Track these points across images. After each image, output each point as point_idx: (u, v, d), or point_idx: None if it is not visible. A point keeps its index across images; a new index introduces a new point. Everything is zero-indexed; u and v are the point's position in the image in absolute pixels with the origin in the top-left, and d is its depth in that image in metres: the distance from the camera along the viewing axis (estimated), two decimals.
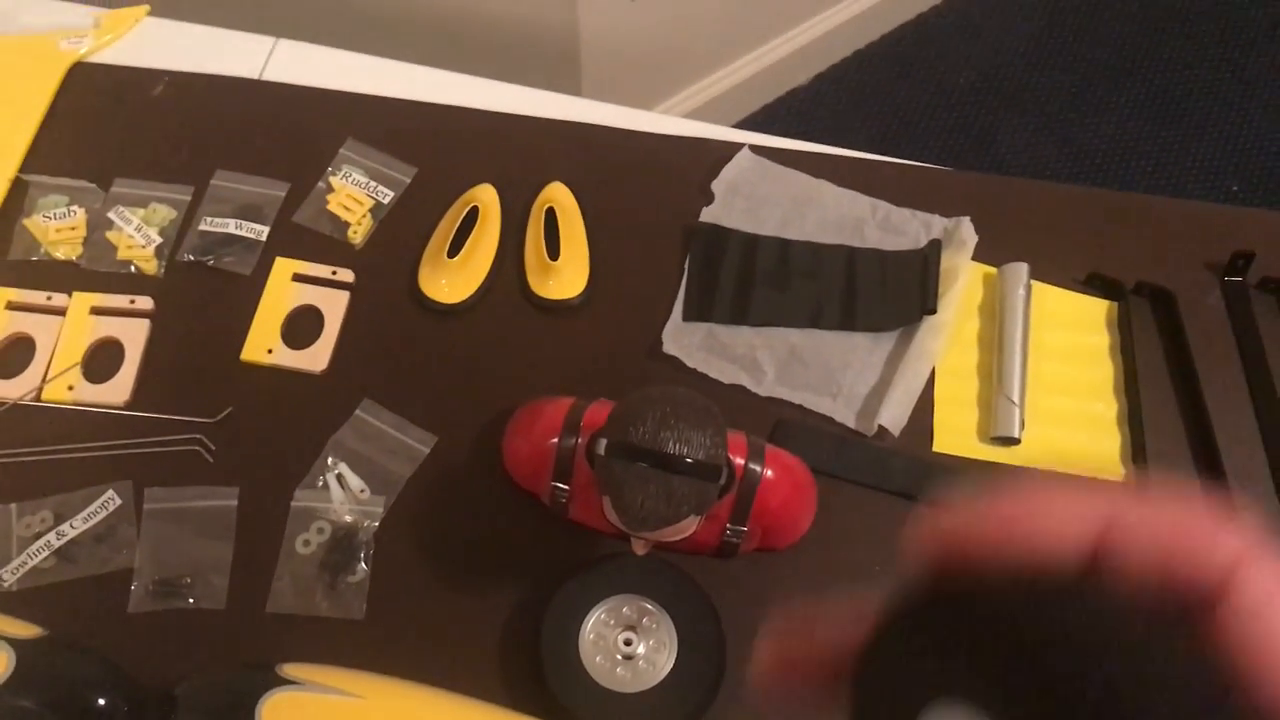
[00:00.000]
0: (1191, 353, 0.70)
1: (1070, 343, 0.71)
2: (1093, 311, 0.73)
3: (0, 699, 0.51)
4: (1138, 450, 0.67)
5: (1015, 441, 0.67)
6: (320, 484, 0.64)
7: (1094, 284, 0.74)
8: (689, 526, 0.54)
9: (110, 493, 0.63)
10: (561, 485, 0.60)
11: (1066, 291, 0.73)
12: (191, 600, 0.61)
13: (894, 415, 0.67)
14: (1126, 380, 0.70)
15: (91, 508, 0.63)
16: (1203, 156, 1.67)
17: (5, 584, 0.60)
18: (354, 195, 0.72)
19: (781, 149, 0.77)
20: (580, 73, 1.35)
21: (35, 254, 0.70)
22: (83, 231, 0.71)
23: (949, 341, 0.70)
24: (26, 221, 0.70)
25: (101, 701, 0.54)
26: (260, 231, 0.71)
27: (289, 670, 0.54)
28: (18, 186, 0.73)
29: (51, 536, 0.62)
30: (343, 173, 0.74)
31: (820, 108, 1.77)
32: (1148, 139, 1.69)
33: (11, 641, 0.53)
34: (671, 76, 1.58)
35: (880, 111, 1.76)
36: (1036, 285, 0.72)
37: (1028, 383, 0.68)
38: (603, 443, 0.51)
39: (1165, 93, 1.77)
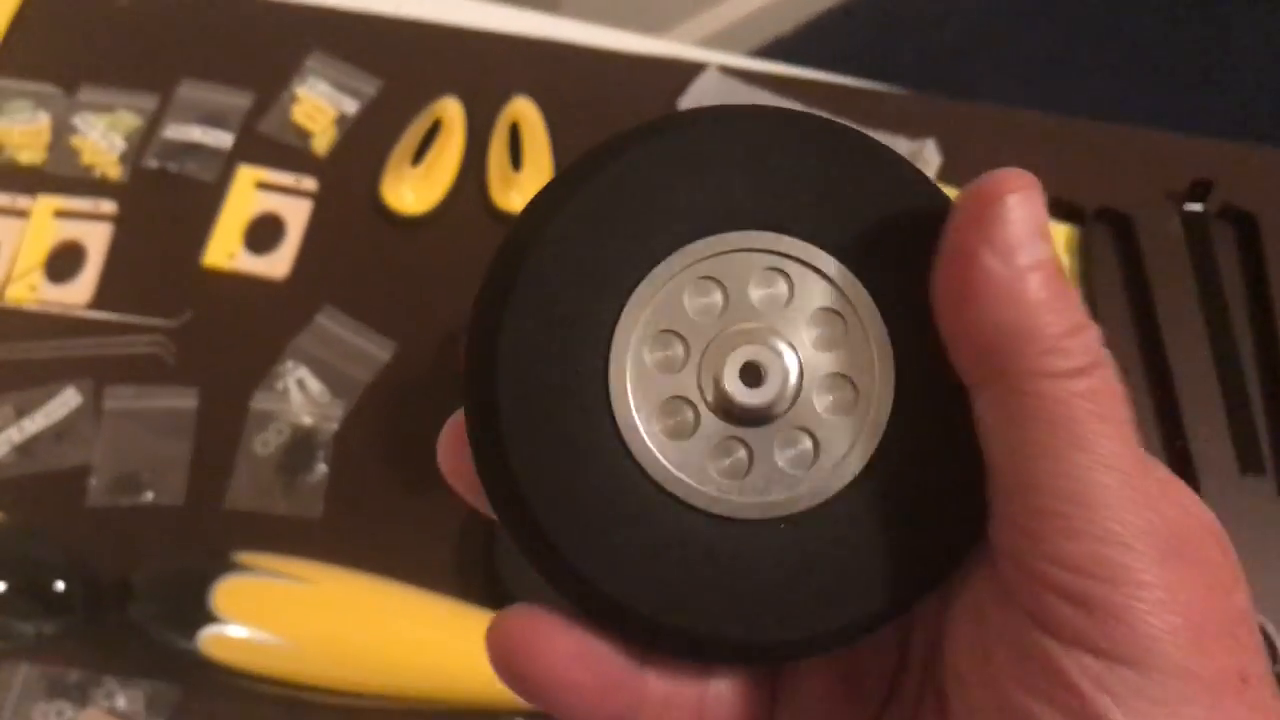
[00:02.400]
0: (1149, 279, 0.71)
1: None
2: (1054, 236, 0.73)
3: None
4: None
5: None
6: (280, 387, 0.65)
7: (1055, 209, 0.74)
8: None
9: (70, 391, 0.64)
10: None
11: None
12: (150, 495, 0.61)
13: None
14: (1086, 305, 0.70)
15: (51, 405, 0.63)
16: (1182, 119, 1.67)
17: None
18: (318, 105, 0.72)
19: (749, 70, 0.77)
20: None
21: None
22: (47, 136, 0.71)
23: None
24: None
25: (60, 585, 0.55)
26: (224, 139, 0.71)
27: (243, 558, 0.55)
28: None
29: (12, 432, 0.62)
30: (308, 84, 0.74)
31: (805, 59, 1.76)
32: (1129, 101, 1.69)
33: None
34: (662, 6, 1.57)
35: (861, 70, 1.75)
36: None
37: None
38: None
39: (1148, 53, 1.77)
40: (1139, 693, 0.18)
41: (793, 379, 0.20)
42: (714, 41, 1.65)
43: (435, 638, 0.55)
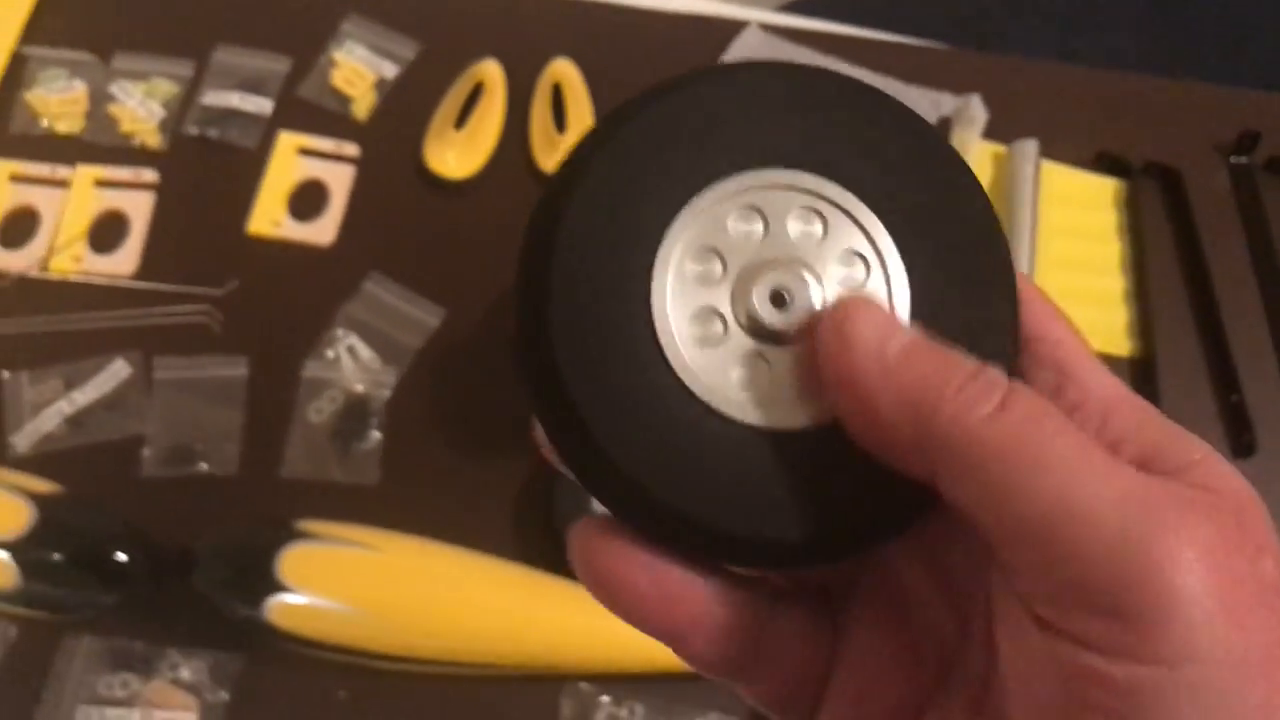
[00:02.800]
0: (1198, 231, 0.70)
1: (1078, 221, 0.71)
2: (1101, 190, 0.73)
3: (24, 551, 0.52)
4: (1144, 325, 0.67)
5: None
6: (330, 355, 0.64)
7: (1102, 163, 0.74)
8: None
9: (120, 362, 0.63)
10: None
11: (1075, 170, 0.73)
12: (205, 465, 0.61)
13: None
14: (1134, 258, 0.70)
15: (101, 376, 0.63)
16: (1226, 72, 1.66)
17: (19, 449, 0.61)
18: (357, 69, 0.71)
19: (791, 27, 0.76)
20: None
21: (36, 128, 0.69)
22: (84, 105, 0.70)
23: None
24: (27, 95, 0.69)
25: (122, 556, 0.54)
26: (264, 105, 0.70)
27: (308, 526, 0.55)
28: (17, 60, 0.72)
29: (63, 404, 0.62)
30: (345, 48, 0.73)
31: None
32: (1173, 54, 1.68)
33: (33, 496, 0.54)
34: None
35: (897, 25, 1.74)
36: (1045, 164, 0.72)
37: (1036, 259, 0.69)
38: None
39: (1190, 5, 1.75)
40: (1189, 692, 0.17)
41: (816, 308, 0.22)
42: None
43: (503, 602, 0.54)
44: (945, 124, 0.72)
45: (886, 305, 0.22)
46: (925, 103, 0.74)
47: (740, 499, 0.21)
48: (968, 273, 0.23)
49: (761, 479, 0.21)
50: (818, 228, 0.22)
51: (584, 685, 0.56)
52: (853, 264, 0.22)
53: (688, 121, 0.22)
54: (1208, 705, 0.17)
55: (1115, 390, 0.22)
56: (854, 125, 0.23)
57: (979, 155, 0.72)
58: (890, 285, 0.22)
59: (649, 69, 0.73)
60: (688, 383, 0.22)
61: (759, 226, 0.22)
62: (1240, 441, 0.64)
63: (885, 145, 0.23)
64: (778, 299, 0.22)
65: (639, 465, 0.21)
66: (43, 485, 0.55)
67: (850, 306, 0.21)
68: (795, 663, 0.23)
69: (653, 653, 0.55)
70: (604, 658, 0.55)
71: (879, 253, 0.22)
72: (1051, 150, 0.72)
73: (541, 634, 0.55)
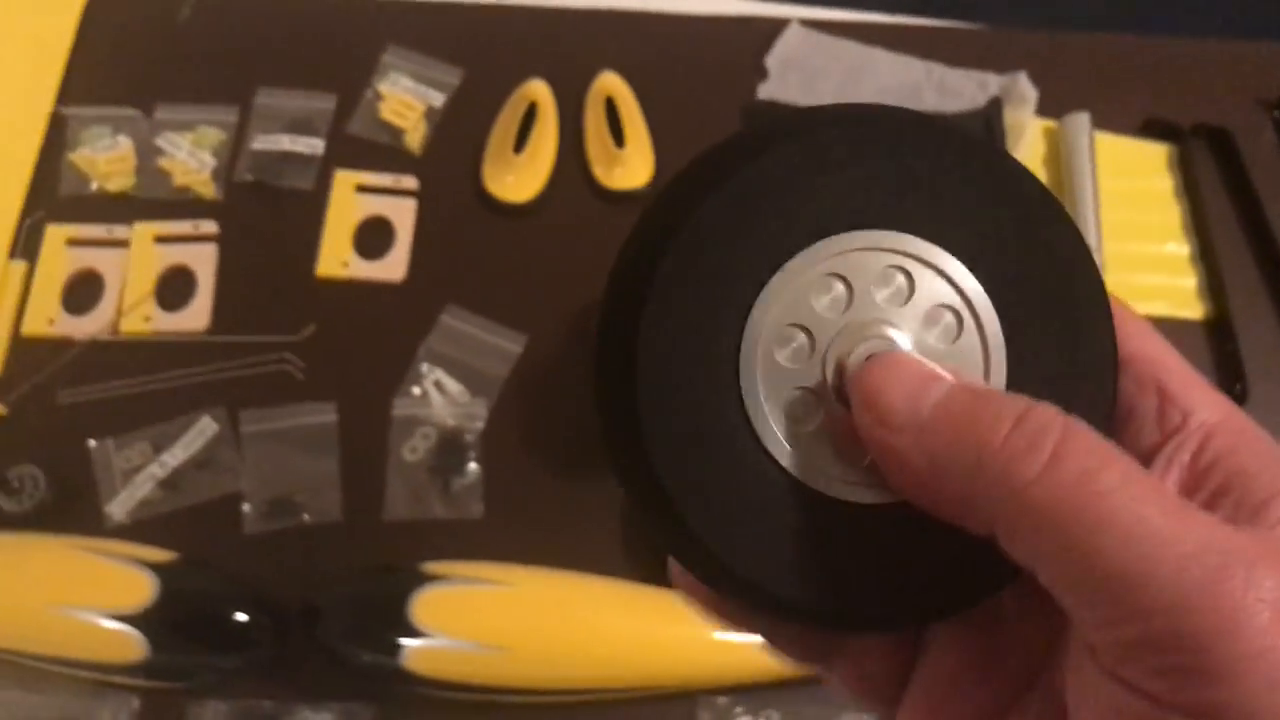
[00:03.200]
0: (1254, 186, 0.71)
1: (1135, 188, 0.72)
2: (1153, 156, 0.73)
3: (149, 622, 0.51)
4: (1215, 285, 0.68)
5: None
6: (417, 392, 0.63)
7: (1152, 129, 0.74)
8: None
9: (206, 419, 0.62)
10: None
11: (1126, 138, 0.74)
12: (307, 516, 0.60)
13: None
14: (1195, 220, 0.71)
15: (188, 435, 0.62)
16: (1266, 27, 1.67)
17: (116, 518, 0.59)
18: (405, 101, 0.71)
19: (831, 20, 0.76)
20: None
21: (87, 189, 0.68)
22: (132, 161, 0.68)
23: None
24: (73, 156, 0.68)
25: (244, 617, 0.53)
26: (315, 145, 0.69)
27: (434, 568, 0.54)
28: (57, 122, 0.70)
29: (154, 468, 0.61)
30: (389, 79, 0.72)
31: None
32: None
33: (151, 566, 0.53)
34: None
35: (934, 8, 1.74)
36: (1096, 135, 0.73)
37: (1101, 232, 0.69)
38: None
39: None
40: None
41: None
42: None
43: (635, 624, 0.54)
44: (996, 104, 0.72)
45: (981, 360, 0.22)
46: (971, 85, 0.74)
47: (830, 576, 0.21)
48: (1059, 308, 0.22)
49: (854, 554, 0.21)
50: (903, 286, 0.22)
51: (720, 700, 0.56)
52: (943, 318, 0.22)
53: (765, 193, 0.22)
54: None
55: (1216, 410, 0.22)
56: (926, 171, 0.22)
57: (1033, 133, 0.73)
58: (984, 334, 0.22)
59: (696, 74, 0.73)
60: (786, 464, 0.21)
61: (843, 293, 0.22)
62: None
63: (958, 186, 0.22)
64: None
65: (737, 555, 0.21)
66: (158, 554, 0.54)
67: (873, 369, 0.21)
68: (878, 656, 0.24)
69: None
70: (735, 669, 0.55)
71: (969, 302, 0.22)
72: (1100, 121, 0.73)
73: (674, 652, 0.54)
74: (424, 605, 0.52)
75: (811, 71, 0.74)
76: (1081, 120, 0.72)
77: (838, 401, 0.21)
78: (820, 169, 0.22)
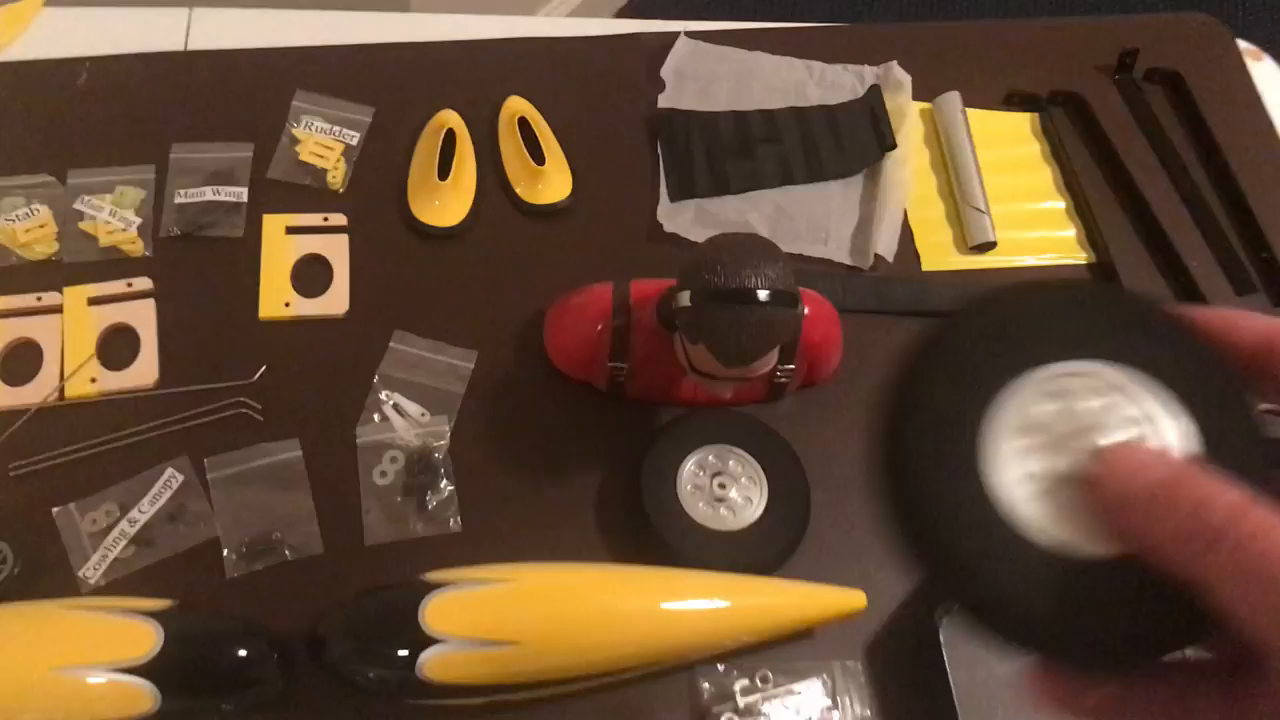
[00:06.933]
0: (1111, 141, 0.79)
1: (1008, 156, 0.79)
2: (1019, 125, 0.81)
3: (158, 671, 0.51)
4: (1092, 232, 0.75)
5: (992, 245, 0.74)
6: (378, 418, 0.64)
7: (1013, 101, 0.82)
8: (771, 359, 0.58)
9: (170, 471, 0.62)
10: (619, 364, 0.63)
11: (993, 111, 0.81)
12: (288, 553, 0.60)
13: (887, 244, 0.73)
14: (1065, 178, 0.78)
15: (154, 489, 0.61)
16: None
17: (92, 582, 0.59)
18: (322, 142, 0.72)
19: (714, 30, 0.81)
20: None
21: (10, 259, 0.67)
22: (53, 227, 0.68)
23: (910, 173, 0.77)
24: None
25: (248, 653, 0.54)
26: (239, 193, 0.70)
27: (434, 576, 0.55)
28: None
29: (124, 525, 0.60)
30: (303, 123, 0.73)
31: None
32: None
33: (151, 614, 0.53)
34: None
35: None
36: (968, 111, 0.79)
37: (988, 195, 0.75)
38: (685, 295, 0.55)
39: None
40: None
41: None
42: (581, 10, 1.68)
43: (636, 603, 0.56)
44: (876, 92, 0.78)
45: (1162, 448, 0.27)
46: (849, 77, 0.80)
47: (1076, 625, 0.27)
48: (1234, 405, 0.28)
49: (1092, 603, 0.27)
50: (1104, 401, 0.28)
51: (719, 667, 0.59)
52: (1139, 425, 0.28)
53: (994, 337, 0.29)
54: None
55: None
56: (1117, 318, 0.29)
57: (913, 116, 0.79)
58: (1173, 437, 0.28)
59: (598, 91, 0.77)
60: (1032, 537, 0.27)
61: (1057, 406, 0.28)
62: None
63: (1147, 333, 0.29)
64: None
65: (1010, 607, 0.27)
66: (155, 602, 0.54)
67: (1113, 450, 0.26)
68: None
69: (775, 619, 0.58)
70: (731, 634, 0.58)
71: (1160, 411, 0.28)
72: (968, 99, 0.80)
73: (675, 625, 0.57)
74: (435, 612, 0.53)
75: (705, 79, 0.79)
76: (953, 99, 0.79)
77: (1058, 482, 0.27)
78: (1035, 317, 0.30)
